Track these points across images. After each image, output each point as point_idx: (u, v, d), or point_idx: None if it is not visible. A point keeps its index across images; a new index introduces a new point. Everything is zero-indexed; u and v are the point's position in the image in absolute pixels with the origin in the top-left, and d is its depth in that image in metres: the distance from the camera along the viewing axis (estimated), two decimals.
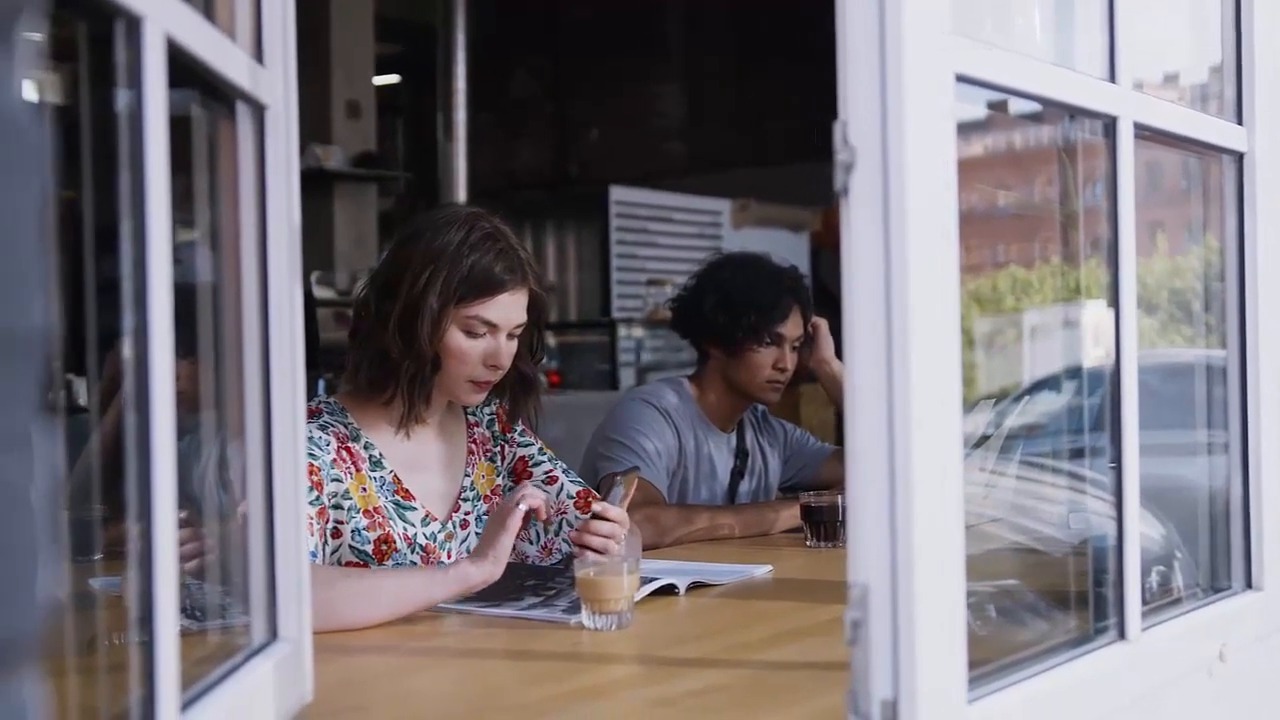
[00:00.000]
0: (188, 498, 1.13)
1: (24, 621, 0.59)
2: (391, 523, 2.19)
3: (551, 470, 2.39)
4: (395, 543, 2.18)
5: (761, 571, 2.35)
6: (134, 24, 0.98)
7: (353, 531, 2.15)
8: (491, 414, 2.42)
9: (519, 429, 2.43)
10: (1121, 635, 1.51)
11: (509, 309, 2.20)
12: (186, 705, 1.09)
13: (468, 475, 2.34)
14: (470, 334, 2.18)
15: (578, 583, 1.88)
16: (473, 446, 2.37)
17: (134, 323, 1.00)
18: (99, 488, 1.79)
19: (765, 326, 2.99)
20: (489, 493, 2.36)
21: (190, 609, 1.32)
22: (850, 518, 1.19)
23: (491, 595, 2.04)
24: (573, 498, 2.35)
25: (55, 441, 0.64)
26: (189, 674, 1.10)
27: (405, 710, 1.57)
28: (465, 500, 2.33)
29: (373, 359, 2.19)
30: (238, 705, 1.22)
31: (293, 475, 1.39)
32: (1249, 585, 1.81)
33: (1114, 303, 1.52)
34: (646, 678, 1.69)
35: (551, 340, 7.79)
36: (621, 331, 7.55)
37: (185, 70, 1.11)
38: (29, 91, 0.60)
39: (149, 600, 1.00)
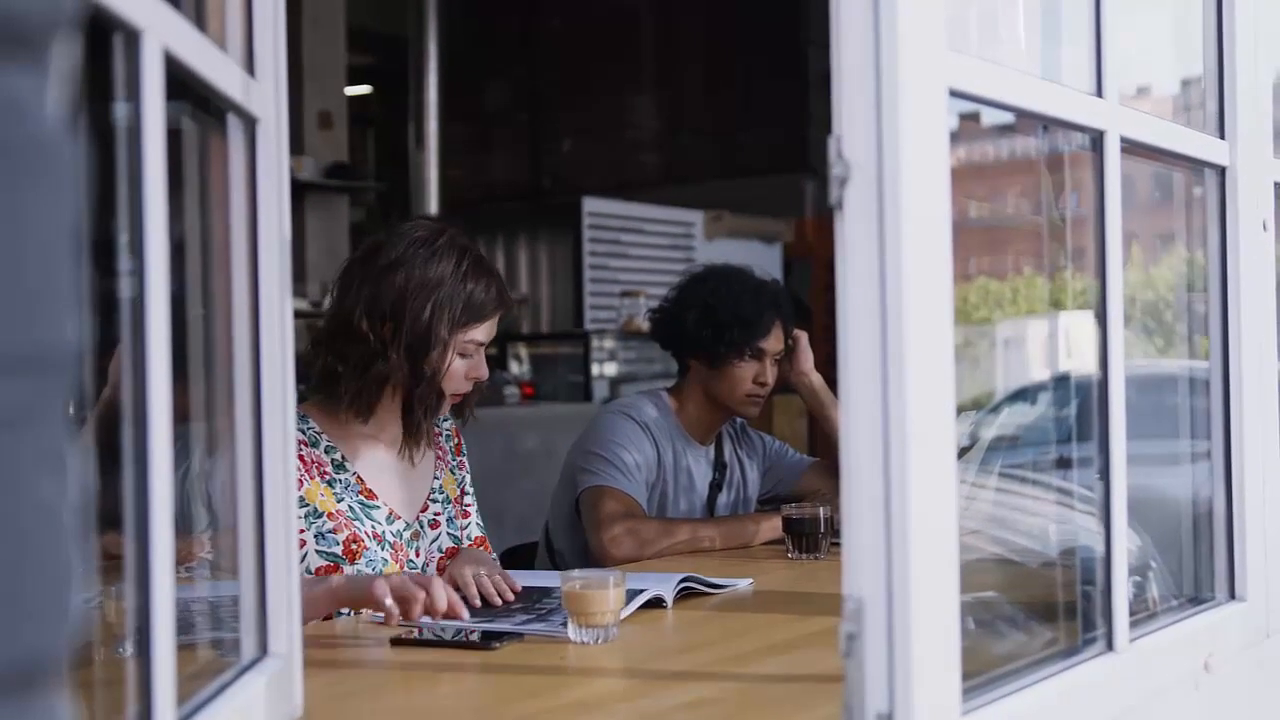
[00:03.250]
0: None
1: (58, 639, 0.58)
2: (357, 522, 2.25)
3: (470, 506, 2.51)
4: (364, 541, 2.24)
5: (744, 584, 2.35)
6: (133, 37, 0.98)
7: (317, 536, 2.20)
8: (449, 429, 2.52)
9: (463, 455, 2.54)
10: (1110, 646, 1.52)
11: (494, 327, 2.34)
12: None
13: (437, 478, 2.43)
14: (462, 355, 2.29)
15: (564, 596, 1.87)
16: (439, 453, 2.46)
17: (132, 335, 0.99)
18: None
19: (747, 341, 2.99)
20: (454, 498, 2.46)
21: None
22: (845, 531, 1.19)
23: (483, 614, 2.03)
24: (471, 540, 2.44)
25: (86, 459, 0.63)
26: (180, 689, 1.09)
27: None
28: (435, 501, 2.41)
29: (375, 383, 2.25)
30: None
31: (283, 490, 1.38)
32: (1232, 596, 1.82)
33: (1101, 315, 1.53)
34: (636, 691, 1.68)
35: (524, 352, 7.78)
36: (595, 343, 7.53)
37: (177, 82, 1.11)
38: (62, 108, 0.60)
39: (146, 615, 0.99)
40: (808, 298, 7.32)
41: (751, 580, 2.38)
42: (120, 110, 1.00)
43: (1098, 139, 1.52)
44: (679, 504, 3.05)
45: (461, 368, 2.29)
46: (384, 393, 2.28)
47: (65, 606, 0.59)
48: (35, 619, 0.57)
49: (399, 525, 2.32)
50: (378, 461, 2.33)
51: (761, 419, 3.29)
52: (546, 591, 2.18)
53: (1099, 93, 1.52)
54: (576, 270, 8.10)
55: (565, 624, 1.88)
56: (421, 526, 2.37)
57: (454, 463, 2.49)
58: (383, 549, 2.26)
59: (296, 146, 7.26)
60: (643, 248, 8.26)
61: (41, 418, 0.58)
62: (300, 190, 7.31)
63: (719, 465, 3.16)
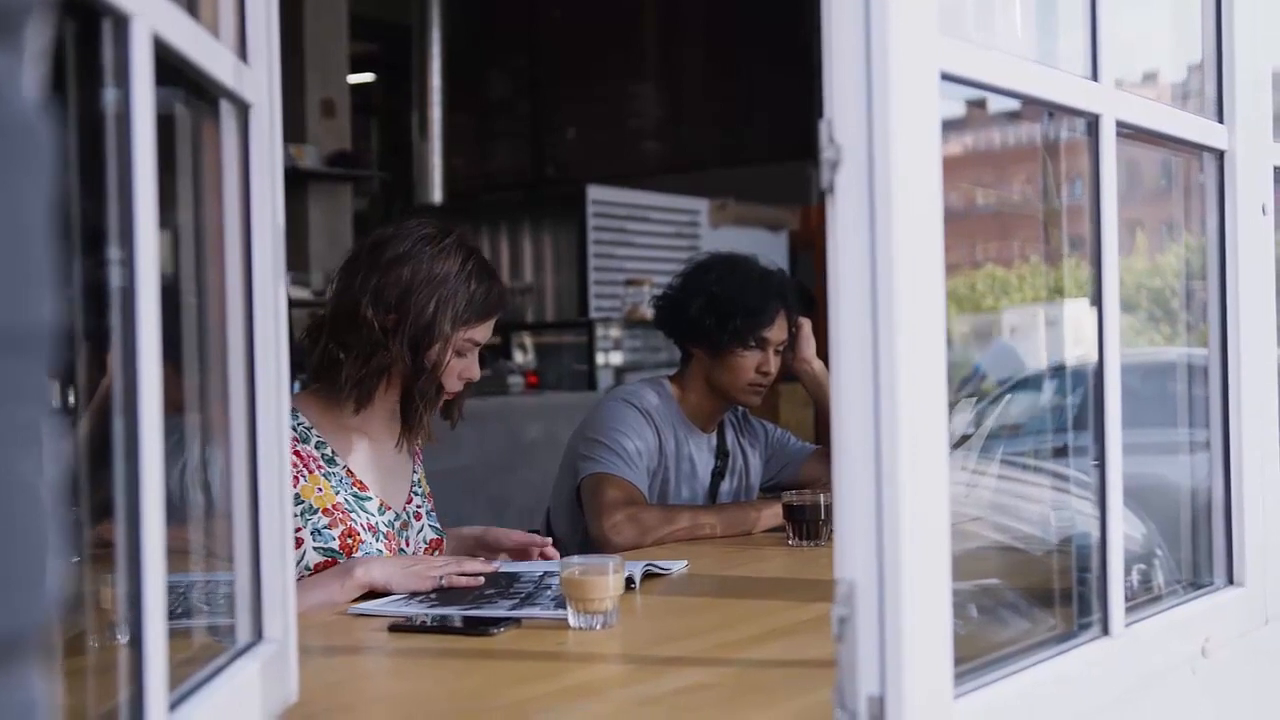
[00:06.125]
0: (167, 498, 1.13)
1: (34, 616, 0.59)
2: (353, 515, 2.28)
3: (431, 506, 2.51)
4: (360, 534, 2.27)
5: (678, 567, 2.36)
6: (121, 22, 0.98)
7: (314, 532, 2.23)
8: None
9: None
10: (1105, 631, 1.52)
11: (490, 329, 2.38)
12: (173, 705, 1.09)
13: (415, 472, 2.48)
14: (458, 354, 2.32)
15: (563, 582, 1.88)
16: (417, 449, 2.50)
17: (122, 323, 0.99)
18: (80, 488, 1.79)
19: (751, 330, 2.98)
20: (428, 494, 2.51)
21: (174, 610, 1.31)
22: (837, 514, 1.19)
23: (463, 601, 2.03)
24: (426, 543, 2.45)
25: (63, 437, 0.64)
26: (173, 674, 1.09)
27: (390, 711, 1.57)
28: (416, 494, 2.46)
29: (376, 373, 2.28)
30: (224, 705, 1.21)
31: (277, 476, 1.38)
32: (1230, 581, 1.82)
33: (1096, 301, 1.53)
34: (633, 676, 1.69)
35: (528, 340, 7.79)
36: (599, 332, 7.53)
37: (169, 68, 1.11)
38: (36, 90, 0.60)
39: (138, 601, 1.00)
40: (814, 286, 7.31)
41: (686, 562, 2.39)
42: (109, 96, 1.01)
43: (1093, 123, 1.52)
44: (681, 491, 3.05)
45: (456, 366, 2.33)
46: (380, 384, 2.31)
47: (42, 582, 0.60)
48: (10, 593, 0.58)
49: (389, 516, 2.36)
50: (365, 454, 2.37)
51: (766, 407, 3.28)
52: (514, 577, 2.20)
53: (1094, 77, 1.51)
54: (581, 259, 8.11)
55: (558, 606, 1.89)
56: (408, 517, 2.41)
57: (423, 460, 2.55)
58: (377, 540, 2.30)
59: (299, 135, 7.27)
60: (647, 236, 8.27)
61: (18, 396, 0.58)
62: (303, 179, 7.31)
63: (721, 453, 3.16)
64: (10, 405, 0.58)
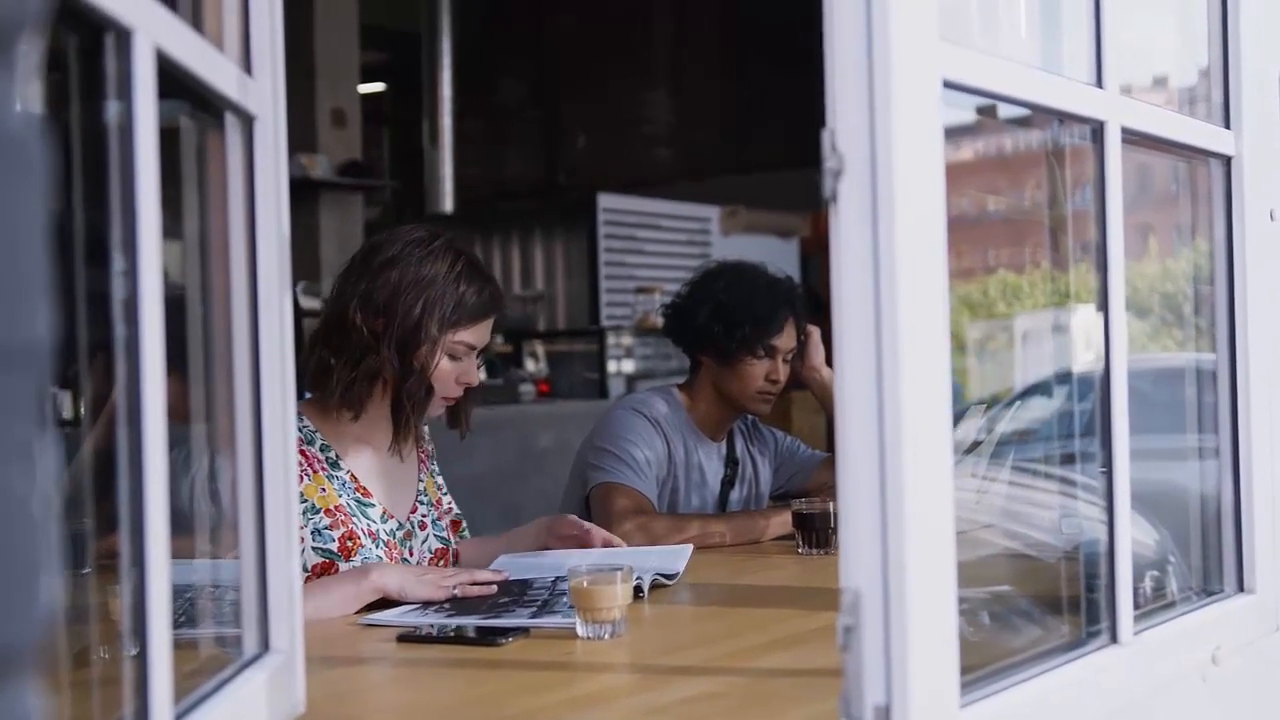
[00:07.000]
0: (177, 511, 1.13)
1: (27, 631, 0.59)
2: (354, 519, 2.28)
3: (439, 515, 2.50)
4: (360, 538, 2.27)
5: (684, 555, 2.39)
6: (124, 36, 0.98)
7: (314, 533, 2.23)
8: (427, 435, 2.57)
9: (434, 461, 2.57)
10: (1114, 639, 1.51)
11: (487, 332, 2.37)
12: (179, 717, 1.09)
13: (421, 481, 2.47)
14: (452, 357, 2.32)
15: (571, 592, 1.87)
16: (422, 457, 2.50)
17: (125, 335, 0.99)
18: (89, 500, 1.80)
19: (760, 339, 2.98)
20: (435, 501, 2.50)
21: (179, 618, 1.31)
22: (842, 523, 1.19)
23: (479, 611, 2.03)
24: (431, 553, 2.44)
25: (56, 452, 0.64)
26: (181, 686, 1.09)
27: None
28: (422, 503, 2.45)
29: (366, 377, 2.28)
30: (230, 717, 1.21)
31: (284, 487, 1.38)
32: (1240, 588, 1.81)
33: (1103, 306, 1.53)
34: (640, 686, 1.68)
35: (540, 349, 7.79)
36: (610, 340, 7.53)
37: (173, 81, 1.11)
38: (30, 105, 0.61)
39: (142, 613, 1.00)
40: (825, 292, 7.30)
41: (690, 547, 2.43)
42: (113, 109, 1.01)
43: (1098, 130, 1.51)
44: (691, 500, 3.05)
45: (451, 370, 2.32)
46: (374, 390, 2.31)
47: (35, 598, 0.60)
48: (4, 609, 0.58)
49: (392, 525, 2.35)
50: (368, 462, 2.37)
51: (779, 415, 3.28)
52: (527, 584, 2.20)
53: (1099, 83, 1.51)
54: (592, 267, 8.11)
55: (568, 614, 1.89)
56: (412, 527, 2.41)
57: (433, 467, 2.54)
58: (377, 547, 2.30)
59: (309, 145, 7.27)
60: (658, 244, 8.27)
61: (10, 411, 0.58)
62: (314, 189, 7.32)
63: (731, 461, 3.15)
64: (3, 421, 0.58)
